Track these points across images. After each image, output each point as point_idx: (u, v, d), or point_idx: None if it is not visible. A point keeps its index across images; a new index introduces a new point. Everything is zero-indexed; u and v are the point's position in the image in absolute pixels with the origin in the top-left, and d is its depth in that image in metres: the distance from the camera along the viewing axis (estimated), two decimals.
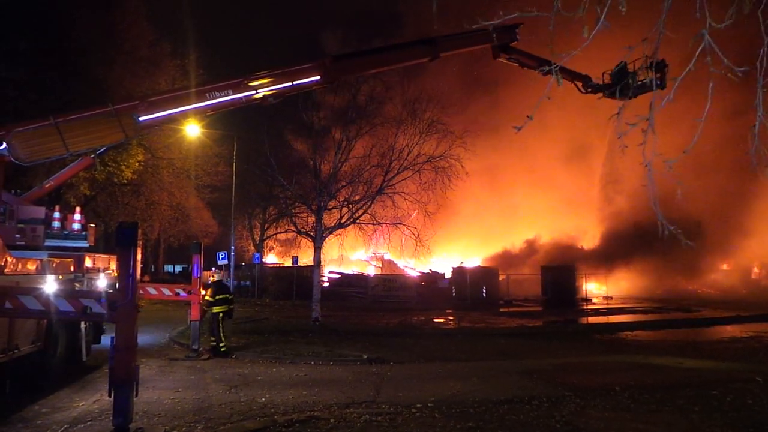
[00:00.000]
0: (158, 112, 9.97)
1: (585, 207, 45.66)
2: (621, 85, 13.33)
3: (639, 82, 12.48)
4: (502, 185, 48.30)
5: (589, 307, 29.66)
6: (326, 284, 33.75)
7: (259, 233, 42.04)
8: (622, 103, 3.62)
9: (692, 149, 3.33)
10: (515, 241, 46.20)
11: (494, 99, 46.16)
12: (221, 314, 12.83)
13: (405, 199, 19.97)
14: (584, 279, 33.45)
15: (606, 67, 13.42)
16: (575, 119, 39.25)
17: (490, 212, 47.36)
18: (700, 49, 2.94)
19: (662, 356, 13.48)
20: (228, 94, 10.32)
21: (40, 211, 10.86)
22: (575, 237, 42.49)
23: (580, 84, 13.08)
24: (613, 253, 38.24)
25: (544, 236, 44.54)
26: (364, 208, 19.56)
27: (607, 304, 31.68)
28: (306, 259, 34.06)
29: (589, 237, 44.88)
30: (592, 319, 24.06)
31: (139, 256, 6.56)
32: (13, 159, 8.83)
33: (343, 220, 19.59)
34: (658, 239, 3.57)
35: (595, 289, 35.00)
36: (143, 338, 14.17)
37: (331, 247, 23.54)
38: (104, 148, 10.77)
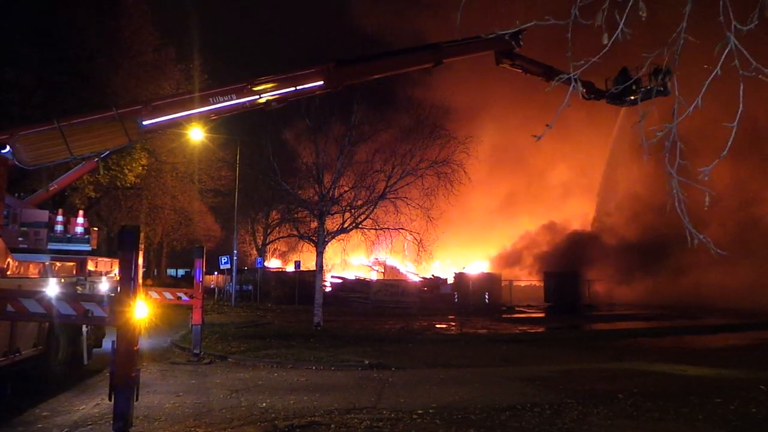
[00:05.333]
0: (162, 116, 9.99)
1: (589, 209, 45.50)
2: (623, 90, 13.35)
3: (642, 89, 12.46)
4: (505, 190, 48.35)
5: (593, 313, 29.54)
6: (328, 289, 33.74)
7: (261, 237, 42.08)
8: (646, 109, 3.56)
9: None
10: (518, 246, 46.15)
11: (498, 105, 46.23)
12: None
13: (407, 205, 19.97)
14: (588, 285, 33.39)
15: (610, 73, 13.41)
16: (576, 122, 39.18)
17: (493, 218, 47.40)
18: (726, 52, 2.89)
19: (666, 363, 13.39)
20: (231, 99, 10.34)
21: (44, 215, 10.88)
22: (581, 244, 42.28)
23: (583, 90, 13.08)
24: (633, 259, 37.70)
25: (547, 240, 44.43)
26: (366, 213, 19.56)
27: (611, 310, 31.53)
28: (309, 263, 34.06)
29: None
30: (595, 326, 23.96)
31: (141, 260, 6.56)
32: (17, 162, 8.85)
33: (346, 225, 19.58)
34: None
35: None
36: (145, 342, 14.18)
37: (334, 252, 23.53)
38: (108, 152, 10.79)
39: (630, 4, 3.04)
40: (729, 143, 3.13)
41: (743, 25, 2.87)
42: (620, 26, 3.06)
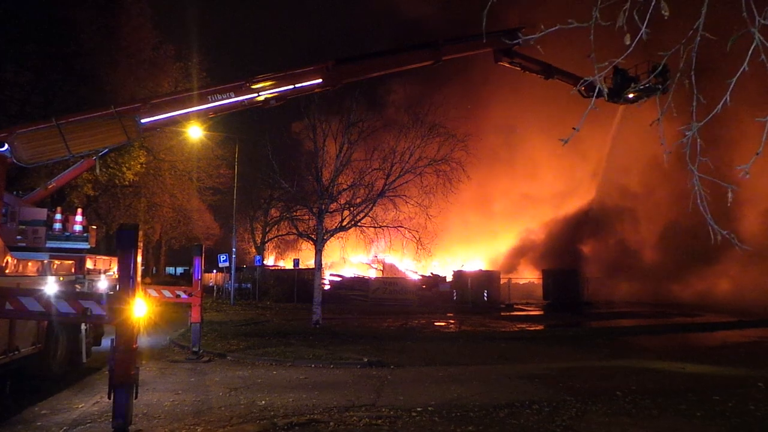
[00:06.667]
0: (160, 114, 10.00)
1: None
2: (623, 88, 13.35)
3: (642, 86, 12.48)
4: (503, 188, 48.34)
5: (592, 311, 29.56)
6: (327, 287, 33.75)
7: (260, 235, 42.09)
8: (665, 106, 3.56)
9: None
10: (516, 244, 46.15)
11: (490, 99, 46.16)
12: None
13: (406, 203, 19.97)
14: (586, 282, 33.39)
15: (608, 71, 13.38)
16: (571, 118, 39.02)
17: (492, 215, 47.41)
18: (752, 48, 2.88)
19: (664, 361, 13.42)
20: (230, 97, 10.35)
21: (42, 213, 10.87)
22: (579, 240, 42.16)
23: (583, 88, 13.08)
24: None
25: (546, 238, 44.42)
26: (365, 211, 19.55)
27: (610, 308, 31.55)
28: (308, 261, 34.06)
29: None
30: (594, 323, 23.98)
31: (139, 258, 6.56)
32: (15, 160, 8.84)
33: (345, 223, 19.58)
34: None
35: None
36: (144, 340, 14.18)
37: (333, 250, 23.51)
38: (106, 150, 10.78)
39: (653, 4, 3.03)
40: (764, 139, 3.07)
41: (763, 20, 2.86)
42: (643, 27, 3.05)
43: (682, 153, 3.27)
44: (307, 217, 22.00)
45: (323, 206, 19.13)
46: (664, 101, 3.64)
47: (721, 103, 3.09)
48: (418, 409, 8.20)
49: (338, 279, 36.95)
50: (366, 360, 12.51)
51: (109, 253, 12.74)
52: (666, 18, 2.96)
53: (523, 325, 22.37)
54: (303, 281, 31.49)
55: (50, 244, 10.62)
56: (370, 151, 20.48)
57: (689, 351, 15.81)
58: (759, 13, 2.85)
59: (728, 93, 3.05)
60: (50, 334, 9.18)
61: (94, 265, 11.38)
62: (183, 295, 13.57)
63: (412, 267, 39.83)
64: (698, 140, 3.17)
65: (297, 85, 10.90)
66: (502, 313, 27.69)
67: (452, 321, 23.69)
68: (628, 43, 3.08)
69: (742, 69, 2.97)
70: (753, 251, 24.85)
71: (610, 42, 3.19)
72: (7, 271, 7.88)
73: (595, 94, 3.43)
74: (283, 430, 7.11)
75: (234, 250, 30.94)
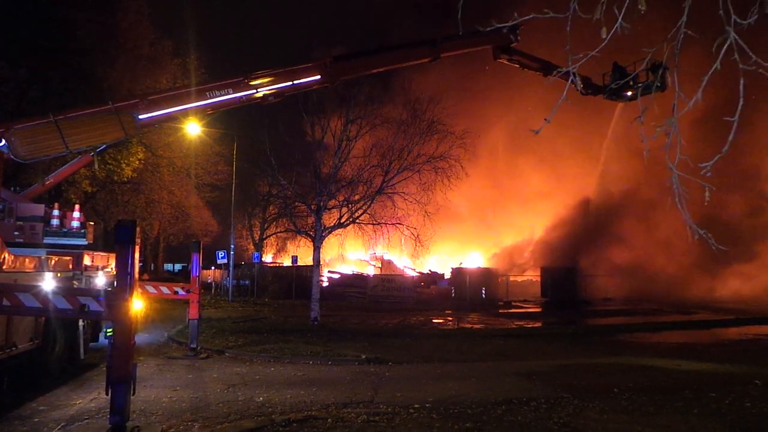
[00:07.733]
0: (158, 110, 9.99)
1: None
2: (620, 85, 13.35)
3: (640, 84, 12.48)
4: (502, 185, 48.33)
5: (590, 308, 29.62)
6: (325, 284, 33.75)
7: (258, 232, 42.04)
8: (647, 104, 3.55)
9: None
10: (515, 242, 46.15)
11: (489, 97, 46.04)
12: None
13: (405, 200, 19.96)
14: (584, 280, 33.45)
15: (607, 68, 13.39)
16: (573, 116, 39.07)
17: (490, 213, 47.41)
18: (725, 47, 2.89)
19: (661, 358, 13.46)
20: (228, 93, 10.34)
21: (40, 209, 10.85)
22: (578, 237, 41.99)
23: (581, 85, 13.11)
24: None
25: (544, 236, 44.41)
26: (363, 208, 19.54)
27: (607, 305, 31.63)
28: (306, 258, 34.02)
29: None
30: (591, 321, 24.04)
31: (137, 254, 6.55)
32: (12, 156, 8.84)
33: (343, 220, 19.57)
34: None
35: None
36: (141, 337, 14.18)
37: (331, 247, 23.48)
38: (104, 146, 10.77)
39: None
40: (730, 138, 3.10)
41: (743, 19, 2.87)
42: (619, 20, 3.05)
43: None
44: (305, 214, 21.98)
45: (321, 203, 19.12)
46: (645, 98, 3.63)
47: (693, 100, 3.10)
48: (416, 405, 8.21)
49: (336, 276, 36.95)
50: (364, 357, 12.51)
51: (106, 249, 12.70)
52: (642, 13, 2.96)
53: (521, 323, 22.41)
54: (301, 278, 31.48)
55: (48, 240, 10.59)
56: (369, 147, 20.46)
57: (686, 348, 15.85)
58: (734, 11, 2.85)
59: (700, 90, 3.05)
60: (48, 331, 9.17)
61: (92, 261, 11.36)
62: (181, 292, 13.55)
63: (410, 264, 39.83)
64: (678, 138, 3.18)
65: (295, 82, 10.91)
66: (500, 311, 27.75)
67: (450, 318, 23.73)
68: (604, 36, 3.07)
69: (713, 68, 2.98)
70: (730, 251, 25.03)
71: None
72: (4, 267, 7.87)
73: (567, 85, 3.42)
74: (281, 426, 7.11)
75: (232, 246, 30.94)
